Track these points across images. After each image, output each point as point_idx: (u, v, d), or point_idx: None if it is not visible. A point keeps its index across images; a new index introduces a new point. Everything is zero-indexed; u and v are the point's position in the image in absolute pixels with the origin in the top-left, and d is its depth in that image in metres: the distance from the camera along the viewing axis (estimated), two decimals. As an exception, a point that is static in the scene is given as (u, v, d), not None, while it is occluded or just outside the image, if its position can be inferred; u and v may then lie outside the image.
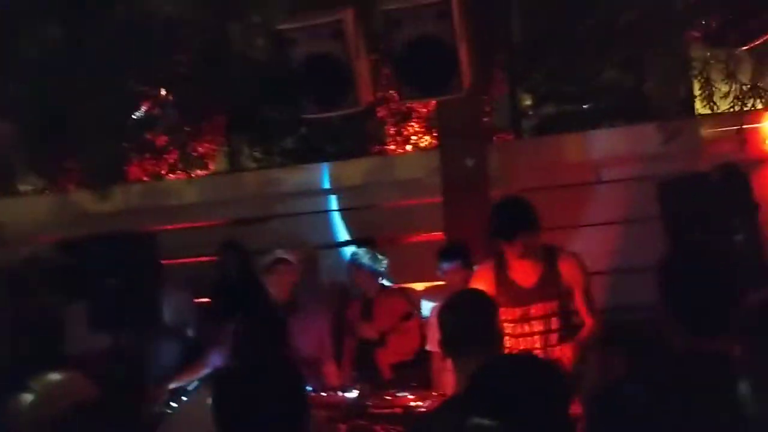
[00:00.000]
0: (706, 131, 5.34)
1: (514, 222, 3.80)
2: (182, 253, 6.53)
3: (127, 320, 4.42)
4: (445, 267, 4.61)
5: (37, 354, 3.49)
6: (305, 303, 4.48)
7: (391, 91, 5.89)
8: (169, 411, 4.01)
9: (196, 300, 6.13)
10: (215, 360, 4.00)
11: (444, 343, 2.67)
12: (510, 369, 1.91)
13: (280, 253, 4.46)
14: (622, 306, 4.32)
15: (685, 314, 1.97)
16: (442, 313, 2.76)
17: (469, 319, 2.65)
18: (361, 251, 5.13)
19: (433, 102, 5.62)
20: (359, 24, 4.46)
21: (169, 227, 6.83)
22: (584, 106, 6.07)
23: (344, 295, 5.64)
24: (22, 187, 7.78)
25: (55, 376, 2.29)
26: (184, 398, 4.01)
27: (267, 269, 4.41)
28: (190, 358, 4.50)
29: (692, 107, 5.50)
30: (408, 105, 6.09)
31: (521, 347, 3.84)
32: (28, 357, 3.41)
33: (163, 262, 4.92)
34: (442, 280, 4.70)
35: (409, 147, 6.45)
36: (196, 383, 4.06)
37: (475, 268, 4.38)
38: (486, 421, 1.71)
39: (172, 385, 4.15)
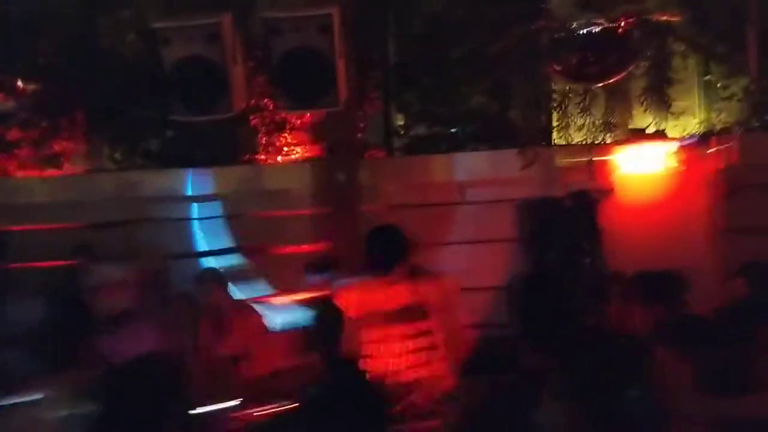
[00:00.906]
0: (562, 160, 5.70)
1: (391, 255, 3.81)
2: (31, 257, 6.11)
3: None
4: (311, 279, 4.61)
5: None
6: (134, 317, 4.20)
7: (265, 100, 5.85)
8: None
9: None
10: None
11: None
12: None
13: (110, 273, 4.14)
14: (484, 323, 4.50)
15: (531, 332, 2.07)
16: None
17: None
18: (217, 265, 5.03)
19: (307, 114, 5.63)
20: (237, 29, 4.41)
21: (17, 228, 6.37)
22: (453, 129, 6.29)
23: (192, 305, 5.51)
24: None
25: None
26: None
27: (96, 287, 4.10)
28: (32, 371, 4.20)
29: (550, 137, 5.85)
30: (282, 115, 6.06)
31: (387, 368, 3.80)
32: None
33: (9, 265, 4.60)
34: (308, 292, 4.68)
35: (279, 158, 6.40)
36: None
37: (342, 282, 4.40)
38: None
39: (9, 401, 3.84)
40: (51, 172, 6.53)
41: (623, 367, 2.48)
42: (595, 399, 2.03)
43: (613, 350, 2.62)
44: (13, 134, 6.43)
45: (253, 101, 5.94)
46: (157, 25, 4.34)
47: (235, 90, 4.40)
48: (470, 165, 6.08)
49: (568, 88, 5.27)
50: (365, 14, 5.78)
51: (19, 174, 6.58)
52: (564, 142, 5.60)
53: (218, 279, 4.98)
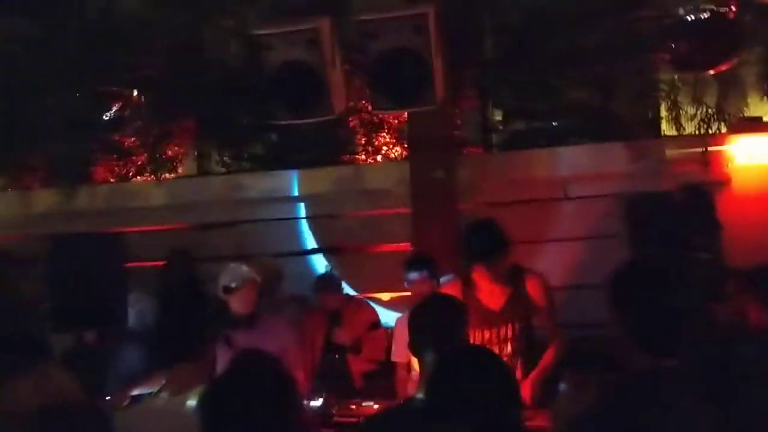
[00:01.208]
0: (671, 152, 5.46)
1: (491, 247, 3.80)
2: (147, 256, 6.45)
3: (90, 322, 4.35)
4: (411, 277, 4.63)
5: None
6: (265, 316, 4.37)
7: (363, 101, 5.92)
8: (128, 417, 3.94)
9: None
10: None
11: (411, 343, 2.70)
12: (466, 370, 1.93)
13: (245, 273, 4.31)
14: (587, 322, 4.37)
15: (637, 332, 1.98)
16: (412, 315, 2.79)
17: (435, 320, 2.67)
18: (327, 267, 5.16)
19: (405, 113, 5.66)
20: (334, 33, 4.49)
21: (134, 229, 6.74)
22: (553, 123, 6.15)
23: (303, 306, 5.64)
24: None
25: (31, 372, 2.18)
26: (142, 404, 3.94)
27: (231, 289, 4.26)
28: (154, 364, 4.45)
29: (659, 128, 5.62)
30: (379, 115, 6.12)
31: None
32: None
33: (128, 264, 4.86)
34: (407, 291, 4.71)
35: (379, 157, 6.47)
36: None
37: (442, 280, 4.41)
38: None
39: (134, 392, 4.09)
40: (164, 176, 6.86)
41: (741, 367, 2.36)
42: (714, 397, 1.95)
43: (731, 348, 2.50)
44: (129, 141, 6.81)
45: (351, 103, 6.02)
46: (258, 31, 4.47)
47: (333, 92, 4.47)
48: (572, 159, 5.93)
49: (676, 77, 5.04)
50: (461, 11, 5.75)
51: (136, 179, 6.96)
52: (674, 133, 5.37)
53: (336, 284, 5.12)
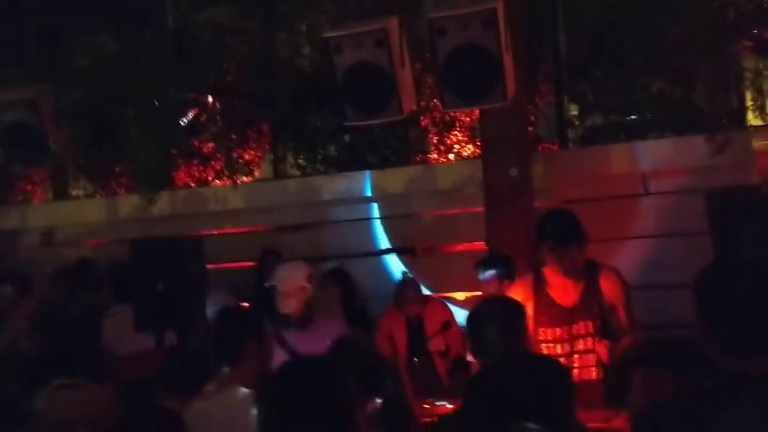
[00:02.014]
0: (758, 143, 5.19)
1: (567, 231, 3.69)
2: (227, 258, 6.63)
3: (172, 322, 4.49)
4: (481, 276, 4.59)
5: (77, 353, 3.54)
6: (318, 316, 4.33)
7: (434, 100, 5.89)
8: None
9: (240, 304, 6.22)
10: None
11: (472, 350, 2.67)
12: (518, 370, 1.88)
13: (292, 276, 4.18)
14: (669, 322, 4.22)
15: (723, 333, 1.89)
16: (469, 320, 2.76)
17: (492, 327, 2.64)
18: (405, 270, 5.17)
19: (477, 111, 5.60)
20: (403, 32, 4.49)
21: (214, 232, 6.93)
22: (632, 117, 5.95)
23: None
24: (73, 191, 7.99)
25: (67, 386, 2.24)
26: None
27: (279, 291, 4.23)
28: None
29: (744, 118, 5.36)
30: (451, 114, 6.07)
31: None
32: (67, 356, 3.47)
33: (208, 266, 4.99)
34: (480, 290, 4.67)
35: (451, 156, 6.42)
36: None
37: (518, 277, 4.34)
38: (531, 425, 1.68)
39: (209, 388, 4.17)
40: (241, 180, 7.03)
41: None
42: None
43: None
44: (208, 147, 7.01)
45: (423, 102, 6.01)
46: (328, 34, 4.53)
47: (403, 92, 4.47)
48: (653, 154, 5.71)
49: (761, 64, 4.79)
50: (534, 5, 5.65)
51: (215, 183, 7.15)
52: (760, 123, 5.12)
53: (417, 286, 5.12)
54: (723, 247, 3.50)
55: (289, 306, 4.11)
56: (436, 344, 4.95)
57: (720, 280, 1.95)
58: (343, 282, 5.86)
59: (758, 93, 4.84)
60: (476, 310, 2.82)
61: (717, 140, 4.70)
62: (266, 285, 4.19)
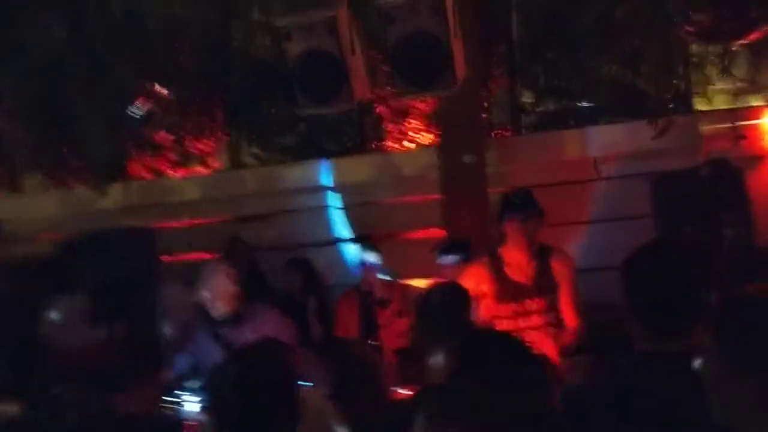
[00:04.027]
0: (704, 127, 5.31)
1: (527, 203, 3.92)
2: (184, 250, 6.57)
3: (124, 315, 4.44)
4: (441, 262, 4.61)
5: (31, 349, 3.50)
6: (252, 310, 4.30)
7: (389, 88, 5.89)
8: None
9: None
10: (180, 361, 3.98)
11: (418, 333, 2.71)
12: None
13: (216, 272, 4.25)
14: (611, 303, 4.31)
15: (646, 313, 1.94)
16: (417, 305, 2.80)
17: (438, 313, 2.68)
18: (367, 249, 5.13)
19: (432, 98, 5.62)
20: (354, 20, 4.47)
21: (170, 224, 6.86)
22: (583, 103, 6.03)
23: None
24: (26, 185, 7.83)
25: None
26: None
27: (207, 298, 4.24)
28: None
29: (690, 103, 5.46)
30: (407, 102, 6.09)
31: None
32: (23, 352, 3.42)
33: (165, 258, 4.95)
34: (440, 276, 4.69)
35: (408, 144, 6.45)
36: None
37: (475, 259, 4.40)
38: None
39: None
40: (198, 170, 6.96)
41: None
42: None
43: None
44: (161, 136, 6.92)
45: (376, 90, 6.01)
46: (279, 22, 4.49)
47: (354, 80, 4.45)
48: (604, 139, 5.81)
49: (707, 49, 4.89)
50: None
51: (169, 173, 7.07)
52: (705, 108, 5.22)
53: (374, 265, 5.09)
54: (665, 229, 3.59)
55: (220, 309, 4.12)
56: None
57: (646, 262, 1.99)
58: (306, 270, 5.88)
59: (702, 78, 4.94)
60: (424, 297, 2.89)
61: (659, 124, 4.78)
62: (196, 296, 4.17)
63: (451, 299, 2.78)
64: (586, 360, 2.82)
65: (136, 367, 3.00)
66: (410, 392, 4.10)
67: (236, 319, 4.11)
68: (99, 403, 2.68)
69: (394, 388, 4.16)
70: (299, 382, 2.10)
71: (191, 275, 6.22)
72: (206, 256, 6.52)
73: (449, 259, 4.62)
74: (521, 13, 6.01)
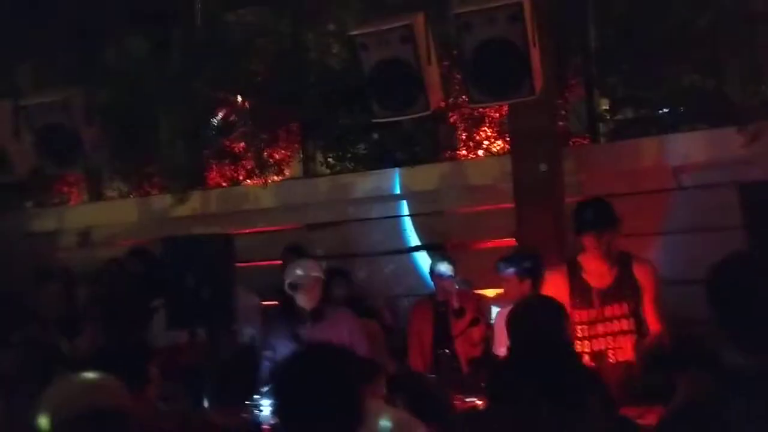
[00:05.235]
0: (794, 134, 5.08)
1: (602, 217, 3.90)
2: (258, 257, 6.69)
3: (203, 319, 4.55)
4: (500, 272, 4.56)
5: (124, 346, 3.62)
6: (330, 310, 4.46)
7: (463, 97, 5.86)
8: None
9: (268, 302, 6.27)
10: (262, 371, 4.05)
11: (511, 346, 2.65)
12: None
13: (310, 270, 4.41)
14: (696, 318, 4.16)
15: (735, 327, 1.86)
16: (509, 319, 2.75)
17: (534, 329, 2.62)
18: (440, 261, 5.12)
19: (506, 107, 5.56)
20: (429, 28, 4.48)
21: (245, 231, 7.00)
22: (663, 110, 5.86)
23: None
24: (107, 192, 8.13)
25: (80, 377, 2.28)
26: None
27: (296, 285, 4.38)
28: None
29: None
30: (480, 110, 6.04)
31: (594, 348, 3.87)
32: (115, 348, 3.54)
33: (239, 264, 5.05)
34: (500, 287, 4.65)
35: (480, 152, 6.39)
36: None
37: (546, 274, 4.34)
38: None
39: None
40: (272, 179, 7.08)
41: None
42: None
43: None
44: (239, 147, 7.07)
45: (451, 98, 6.00)
46: (354, 32, 4.54)
47: (430, 88, 4.47)
48: (685, 147, 5.62)
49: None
50: (562, -1, 5.59)
51: (246, 182, 7.22)
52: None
53: (446, 276, 5.10)
54: (757, 240, 3.44)
55: (307, 299, 4.24)
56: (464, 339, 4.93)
57: (734, 274, 1.92)
58: (348, 282, 5.92)
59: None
60: (517, 309, 2.84)
61: (749, 131, 4.61)
62: (291, 282, 4.28)
63: (551, 315, 2.72)
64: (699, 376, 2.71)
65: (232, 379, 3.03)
66: (481, 401, 4.10)
67: (316, 317, 4.22)
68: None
69: (467, 398, 4.17)
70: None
71: (264, 282, 6.40)
72: (278, 263, 6.64)
73: (509, 270, 4.55)
74: (598, 22, 5.90)
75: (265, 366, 4.20)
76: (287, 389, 1.90)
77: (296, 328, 4.25)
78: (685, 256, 5.37)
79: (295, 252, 5.89)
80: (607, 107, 6.16)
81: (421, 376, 4.10)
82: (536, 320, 2.70)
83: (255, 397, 4.08)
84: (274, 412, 1.93)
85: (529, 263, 4.46)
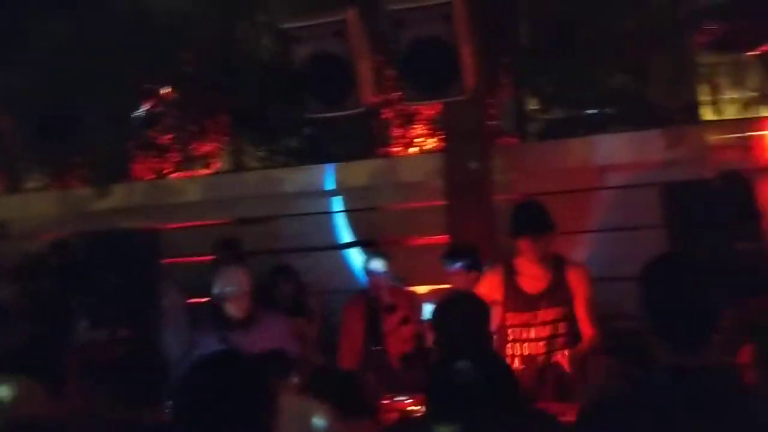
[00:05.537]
0: (712, 138, 5.29)
1: (539, 221, 3.87)
2: (186, 252, 6.53)
3: (127, 316, 4.41)
4: (447, 268, 4.57)
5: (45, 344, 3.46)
6: (261, 315, 4.29)
7: (396, 93, 5.86)
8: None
9: (196, 300, 6.13)
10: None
11: (434, 343, 2.66)
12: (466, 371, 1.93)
13: (238, 281, 4.21)
14: (624, 314, 4.29)
15: (664, 327, 1.91)
16: (434, 315, 2.75)
17: (458, 326, 2.63)
18: (374, 257, 5.07)
19: (439, 104, 5.59)
20: (363, 24, 4.44)
21: (172, 225, 6.82)
22: (590, 111, 6.01)
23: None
24: (27, 184, 7.79)
25: (6, 387, 2.20)
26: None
27: (224, 296, 4.23)
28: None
29: (697, 113, 5.44)
30: (413, 107, 6.06)
31: (526, 352, 3.91)
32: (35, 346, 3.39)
33: (164, 260, 4.91)
34: (446, 282, 4.66)
35: (413, 149, 6.42)
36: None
37: (482, 271, 4.38)
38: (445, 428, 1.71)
39: None
40: (200, 172, 6.92)
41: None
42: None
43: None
44: (165, 139, 6.88)
45: (384, 95, 5.98)
46: (286, 25, 4.46)
47: (362, 84, 4.43)
48: (610, 148, 5.78)
49: (716, 60, 4.88)
50: (494, -1, 5.64)
51: (173, 175, 7.03)
52: (714, 118, 5.21)
53: (379, 273, 5.04)
54: (677, 240, 3.56)
55: (235, 309, 4.13)
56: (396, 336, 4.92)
57: (664, 274, 1.96)
58: (293, 280, 5.83)
59: (712, 89, 4.92)
60: (441, 305, 2.85)
61: (672, 134, 4.77)
62: (219, 293, 4.16)
63: (472, 311, 2.73)
64: (609, 362, 2.79)
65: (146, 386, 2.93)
66: (413, 399, 4.10)
67: (246, 323, 4.12)
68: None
69: (398, 396, 4.17)
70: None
71: (191, 278, 6.24)
72: (206, 258, 6.50)
73: (456, 265, 4.58)
74: (529, 24, 5.99)
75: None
76: (186, 396, 1.85)
77: (225, 333, 4.13)
78: (610, 254, 5.52)
79: (229, 247, 5.75)
80: (536, 107, 6.27)
81: (345, 372, 4.05)
82: (461, 316, 2.71)
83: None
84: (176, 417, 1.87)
85: (474, 256, 4.50)
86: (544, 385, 3.82)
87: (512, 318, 3.92)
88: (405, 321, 4.87)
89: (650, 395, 1.84)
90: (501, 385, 1.89)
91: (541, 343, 3.88)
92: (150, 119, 6.76)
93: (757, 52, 4.52)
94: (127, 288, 4.46)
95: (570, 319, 3.91)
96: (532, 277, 3.93)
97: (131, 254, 4.59)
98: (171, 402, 1.94)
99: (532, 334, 3.89)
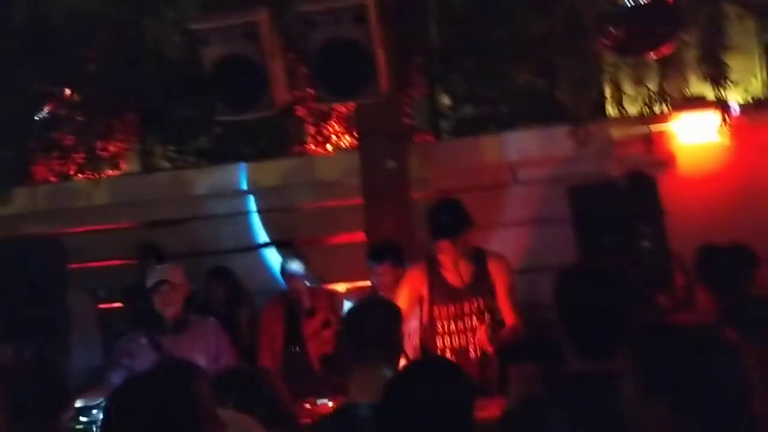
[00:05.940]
0: (616, 133, 5.51)
1: (456, 222, 3.96)
2: (93, 257, 6.28)
3: (32, 331, 4.20)
4: (374, 267, 4.59)
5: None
6: (193, 319, 4.20)
7: (310, 90, 5.81)
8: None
9: (105, 305, 5.93)
10: (116, 378, 3.81)
11: (350, 348, 2.68)
12: (421, 379, 1.96)
13: (163, 274, 4.11)
14: (534, 304, 4.45)
15: (577, 335, 1.99)
16: (348, 320, 2.78)
17: (371, 329, 2.66)
18: (291, 259, 5.02)
19: (354, 104, 5.58)
20: (274, 23, 4.38)
21: (77, 230, 6.55)
22: (501, 108, 6.16)
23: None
24: None
25: None
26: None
27: (151, 290, 4.09)
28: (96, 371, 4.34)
29: (603, 110, 5.66)
30: (328, 105, 6.02)
31: (455, 344, 4.02)
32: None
33: (71, 266, 4.70)
34: (371, 280, 4.68)
35: (329, 147, 6.38)
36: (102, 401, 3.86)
37: (407, 267, 4.42)
38: None
39: (78, 403, 3.93)
40: (107, 173, 6.67)
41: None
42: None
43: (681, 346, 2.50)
44: (69, 140, 6.59)
45: (298, 92, 5.91)
46: (195, 26, 4.35)
47: (275, 86, 4.38)
48: (520, 144, 5.94)
49: (618, 61, 5.10)
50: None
51: (78, 177, 6.75)
52: (618, 115, 5.43)
53: (297, 274, 4.98)
54: (584, 239, 3.69)
55: (162, 304, 4.01)
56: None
57: (575, 286, 2.04)
58: (229, 280, 5.73)
59: (616, 87, 5.14)
60: (353, 309, 2.88)
61: (579, 133, 4.95)
62: (149, 283, 4.04)
63: (382, 315, 2.75)
64: (529, 369, 2.87)
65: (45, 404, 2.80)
66: (333, 402, 4.10)
67: (178, 328, 4.02)
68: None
69: (316, 399, 4.16)
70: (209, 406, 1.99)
71: (101, 283, 6.02)
72: (116, 262, 6.28)
73: (379, 263, 4.59)
74: (440, 23, 6.07)
75: (121, 374, 3.92)
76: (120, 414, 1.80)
77: (157, 337, 4.01)
78: (521, 247, 5.68)
79: (150, 251, 5.59)
80: (449, 104, 6.35)
81: (250, 372, 3.98)
82: (371, 320, 2.73)
83: (82, 407, 3.83)
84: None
85: (399, 253, 4.54)
86: (486, 379, 3.92)
87: (440, 311, 4.04)
88: (326, 324, 4.86)
89: (549, 402, 1.91)
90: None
91: (469, 334, 4.01)
92: (52, 121, 6.45)
93: (656, 55, 4.75)
94: (31, 298, 4.24)
95: (493, 310, 4.05)
96: (454, 270, 4.04)
97: (34, 263, 4.37)
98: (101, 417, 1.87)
99: (459, 325, 4.02)
